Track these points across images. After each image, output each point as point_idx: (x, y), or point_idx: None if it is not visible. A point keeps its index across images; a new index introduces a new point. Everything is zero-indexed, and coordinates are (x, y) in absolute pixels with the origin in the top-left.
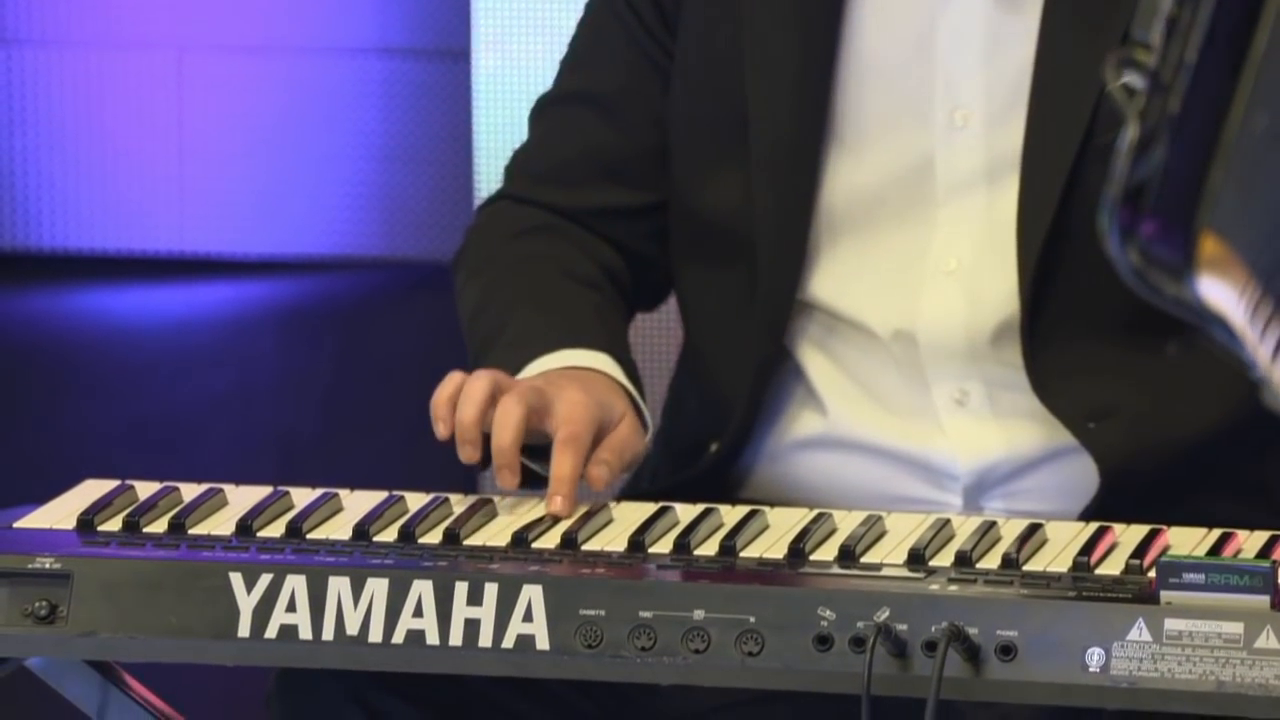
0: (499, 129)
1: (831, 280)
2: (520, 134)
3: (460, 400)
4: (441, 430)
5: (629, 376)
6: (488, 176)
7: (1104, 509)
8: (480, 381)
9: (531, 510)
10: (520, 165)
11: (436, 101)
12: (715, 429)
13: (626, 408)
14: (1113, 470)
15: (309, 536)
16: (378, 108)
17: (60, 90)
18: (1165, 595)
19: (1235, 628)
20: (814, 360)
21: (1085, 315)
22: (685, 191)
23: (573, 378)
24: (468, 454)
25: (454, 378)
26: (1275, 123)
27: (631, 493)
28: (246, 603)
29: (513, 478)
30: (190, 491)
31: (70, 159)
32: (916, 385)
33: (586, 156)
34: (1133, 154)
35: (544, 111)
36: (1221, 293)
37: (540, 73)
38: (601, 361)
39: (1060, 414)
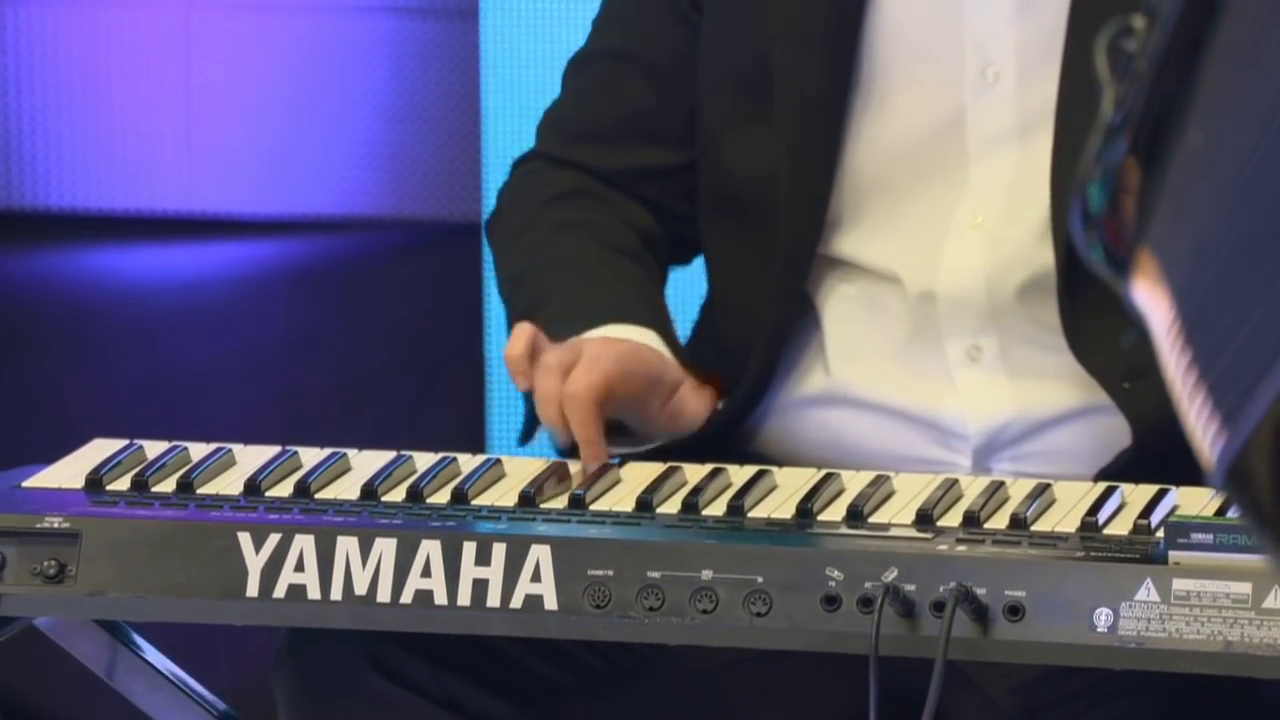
0: (507, 89)
1: (857, 238)
2: (529, 94)
3: (539, 373)
4: (522, 383)
5: (673, 350)
6: (496, 137)
7: (1132, 469)
8: (553, 357)
9: (539, 470)
10: (554, 123)
11: (445, 61)
12: (729, 386)
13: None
14: (1146, 431)
15: (317, 496)
16: (386, 67)
17: (67, 48)
18: (1173, 555)
19: (1243, 588)
20: (831, 312)
21: None
22: (712, 148)
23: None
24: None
25: (525, 331)
26: (1208, 144)
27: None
28: (255, 562)
29: (602, 454)
30: (199, 451)
31: (78, 118)
32: (929, 341)
33: (624, 116)
34: (1103, 138)
35: (579, 68)
36: (1150, 307)
37: (549, 32)
38: (649, 338)
39: (1096, 373)
